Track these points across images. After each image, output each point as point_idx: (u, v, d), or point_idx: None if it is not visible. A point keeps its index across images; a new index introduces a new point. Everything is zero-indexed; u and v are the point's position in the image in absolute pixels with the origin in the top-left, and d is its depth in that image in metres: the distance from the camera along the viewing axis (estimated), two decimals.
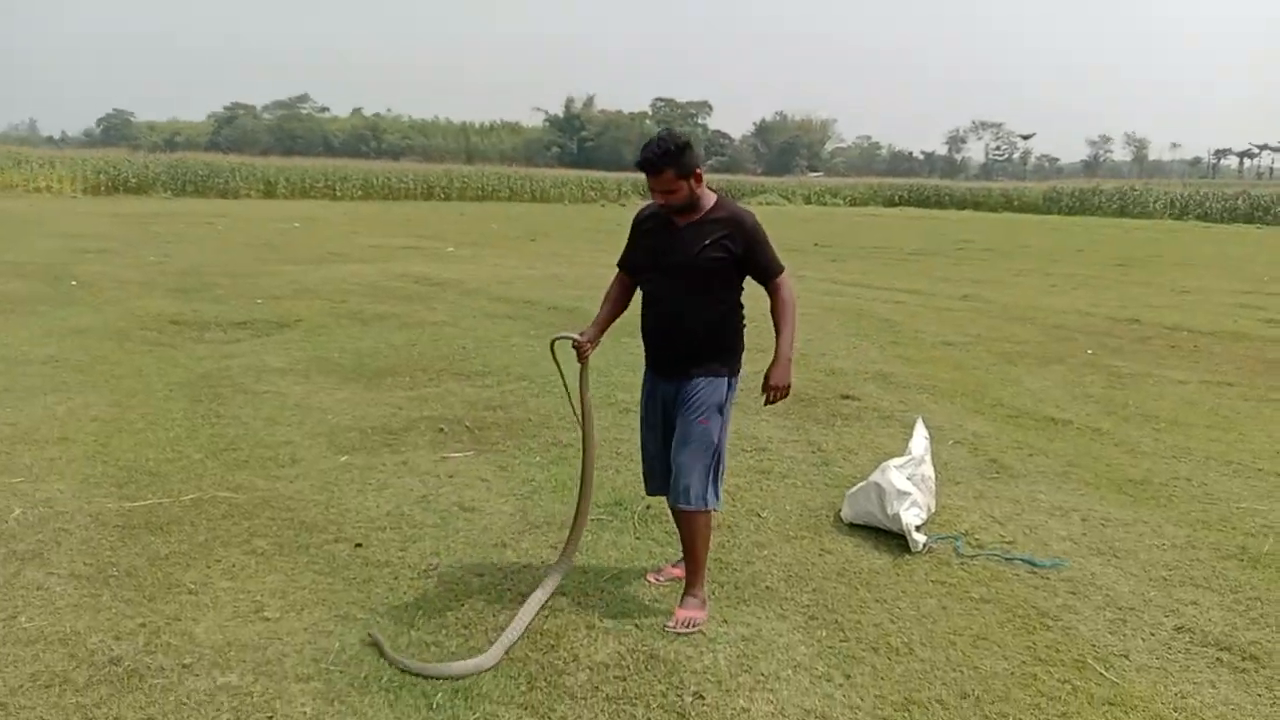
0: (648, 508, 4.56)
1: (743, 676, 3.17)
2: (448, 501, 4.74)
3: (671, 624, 3.49)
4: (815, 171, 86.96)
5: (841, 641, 3.45)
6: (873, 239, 25.75)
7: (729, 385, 3.63)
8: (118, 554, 3.98)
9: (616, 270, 3.88)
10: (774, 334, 3.67)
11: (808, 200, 52.72)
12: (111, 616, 3.43)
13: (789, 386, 3.67)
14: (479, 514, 4.60)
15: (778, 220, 34.51)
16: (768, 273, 3.60)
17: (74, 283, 11.94)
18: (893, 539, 4.36)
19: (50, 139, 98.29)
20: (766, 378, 3.65)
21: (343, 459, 5.35)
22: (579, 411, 3.81)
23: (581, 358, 3.73)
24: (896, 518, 4.28)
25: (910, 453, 4.62)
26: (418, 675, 3.12)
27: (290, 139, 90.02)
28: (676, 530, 3.73)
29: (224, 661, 3.16)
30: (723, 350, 3.62)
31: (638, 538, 4.33)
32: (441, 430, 5.99)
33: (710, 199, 3.57)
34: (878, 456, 5.56)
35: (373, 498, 4.76)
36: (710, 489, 3.59)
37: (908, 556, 4.21)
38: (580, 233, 25.63)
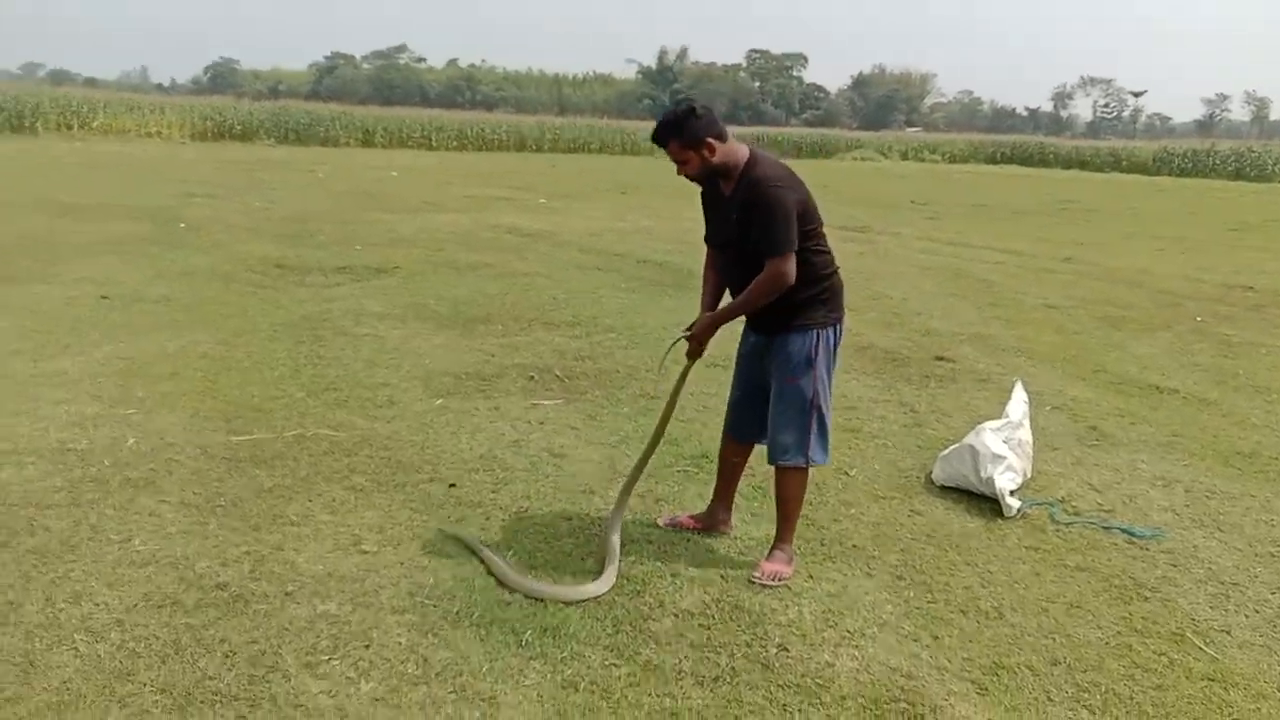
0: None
1: (828, 631, 3.17)
2: (538, 447, 4.82)
3: (757, 575, 3.50)
4: (913, 127, 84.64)
5: (929, 603, 3.42)
6: (972, 197, 25.02)
7: (819, 337, 3.50)
8: (224, 485, 4.16)
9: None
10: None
11: (905, 156, 51.42)
12: (219, 543, 3.59)
13: (699, 339, 3.58)
14: (568, 460, 4.67)
15: (874, 177, 33.83)
16: (763, 250, 3.32)
17: (183, 226, 12.36)
18: (985, 503, 4.28)
19: (160, 86, 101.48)
20: (693, 327, 3.58)
21: (438, 402, 5.47)
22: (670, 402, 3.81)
23: (691, 354, 3.68)
24: (990, 481, 4.20)
25: (1007, 416, 4.52)
26: (532, 595, 3.27)
27: (388, 89, 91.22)
28: (754, 482, 3.73)
29: (324, 591, 3.28)
30: (800, 308, 3.46)
31: None
32: (532, 378, 6.07)
33: (740, 164, 3.37)
34: (973, 420, 5.45)
35: (466, 440, 4.86)
36: (810, 444, 3.53)
37: (1000, 521, 4.13)
38: (670, 186, 25.31)
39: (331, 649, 2.93)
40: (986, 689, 2.92)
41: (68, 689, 2.65)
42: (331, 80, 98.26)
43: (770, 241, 3.28)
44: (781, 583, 3.48)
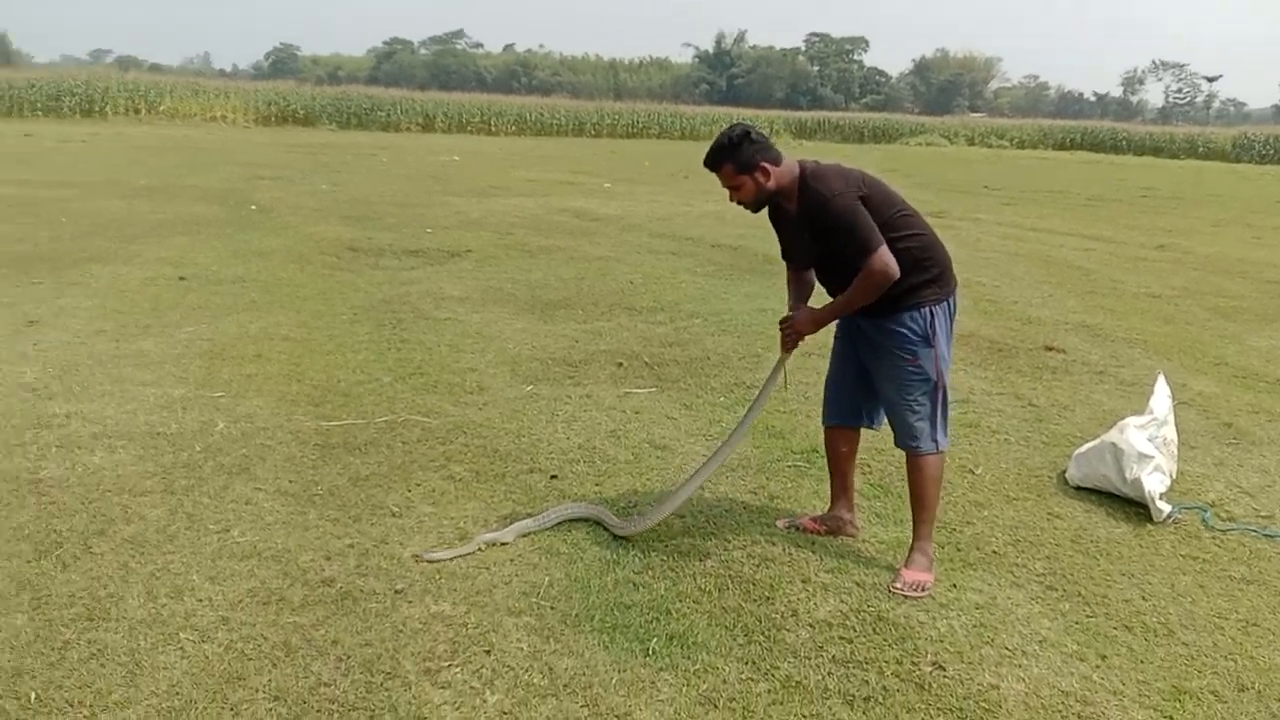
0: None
1: (985, 649, 2.89)
2: (638, 438, 4.58)
3: (898, 585, 3.23)
4: (977, 112, 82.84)
5: (1089, 617, 3.11)
6: (1046, 183, 24.25)
7: (933, 314, 3.29)
8: (319, 472, 3.98)
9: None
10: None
11: (971, 141, 50.24)
12: (320, 535, 3.41)
13: (799, 334, 3.44)
14: (671, 453, 4.43)
15: (941, 162, 33.06)
16: (857, 254, 3.17)
17: (253, 207, 12.34)
18: (1127, 506, 3.96)
19: (222, 72, 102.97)
20: (792, 317, 3.43)
21: (528, 389, 5.26)
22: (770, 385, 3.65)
23: (786, 345, 3.50)
24: (1137, 483, 3.87)
25: (1151, 411, 4.16)
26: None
27: (445, 74, 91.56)
28: (872, 480, 3.49)
29: (435, 589, 3.08)
30: (908, 290, 3.26)
31: None
32: (620, 365, 5.84)
33: (794, 183, 3.26)
34: (1097, 414, 5.13)
35: (562, 430, 4.64)
36: (938, 428, 3.32)
37: (1149, 527, 3.80)
38: None
39: (450, 654, 2.72)
40: (1171, 717, 2.62)
41: (177, 693, 2.46)
42: (390, 66, 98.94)
43: (859, 245, 3.15)
44: (924, 593, 3.20)
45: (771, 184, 3.24)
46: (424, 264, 8.99)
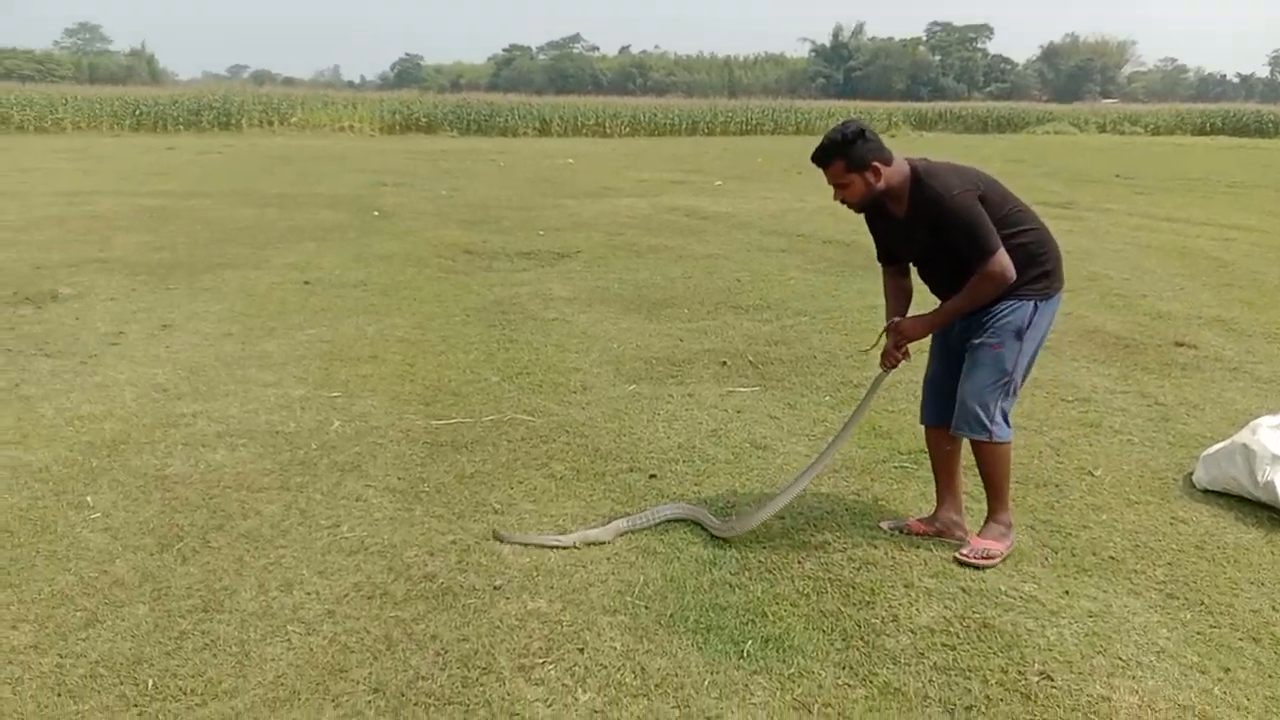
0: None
1: (1097, 659, 2.75)
2: (739, 438, 4.55)
3: (965, 552, 3.25)
4: (1110, 98, 79.25)
5: (1212, 628, 2.94)
6: (1184, 170, 23.02)
7: (1035, 309, 3.23)
8: (427, 470, 4.08)
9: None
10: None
11: (1102, 129, 48.02)
12: (425, 531, 3.50)
13: (908, 340, 3.37)
14: (772, 453, 4.38)
15: (1069, 150, 31.75)
16: (974, 255, 3.13)
17: (376, 213, 12.76)
18: (1260, 511, 3.72)
19: (350, 83, 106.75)
20: (898, 321, 3.37)
21: (630, 388, 5.28)
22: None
23: (888, 361, 3.45)
24: (1270, 486, 3.63)
25: None
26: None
27: (562, 78, 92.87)
28: (977, 477, 3.45)
29: (532, 586, 3.12)
30: (1015, 284, 3.19)
31: None
32: (724, 364, 5.81)
33: (904, 183, 3.20)
34: (1229, 413, 4.84)
35: (663, 429, 4.65)
36: (994, 416, 3.25)
37: None
38: None
39: (545, 651, 2.75)
40: None
41: (282, 684, 2.56)
42: (509, 72, 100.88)
43: (978, 247, 3.12)
44: (993, 561, 3.23)
45: (881, 184, 3.19)
46: (535, 265, 9.14)
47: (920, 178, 3.18)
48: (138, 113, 34.40)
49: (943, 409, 3.46)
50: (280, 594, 3.03)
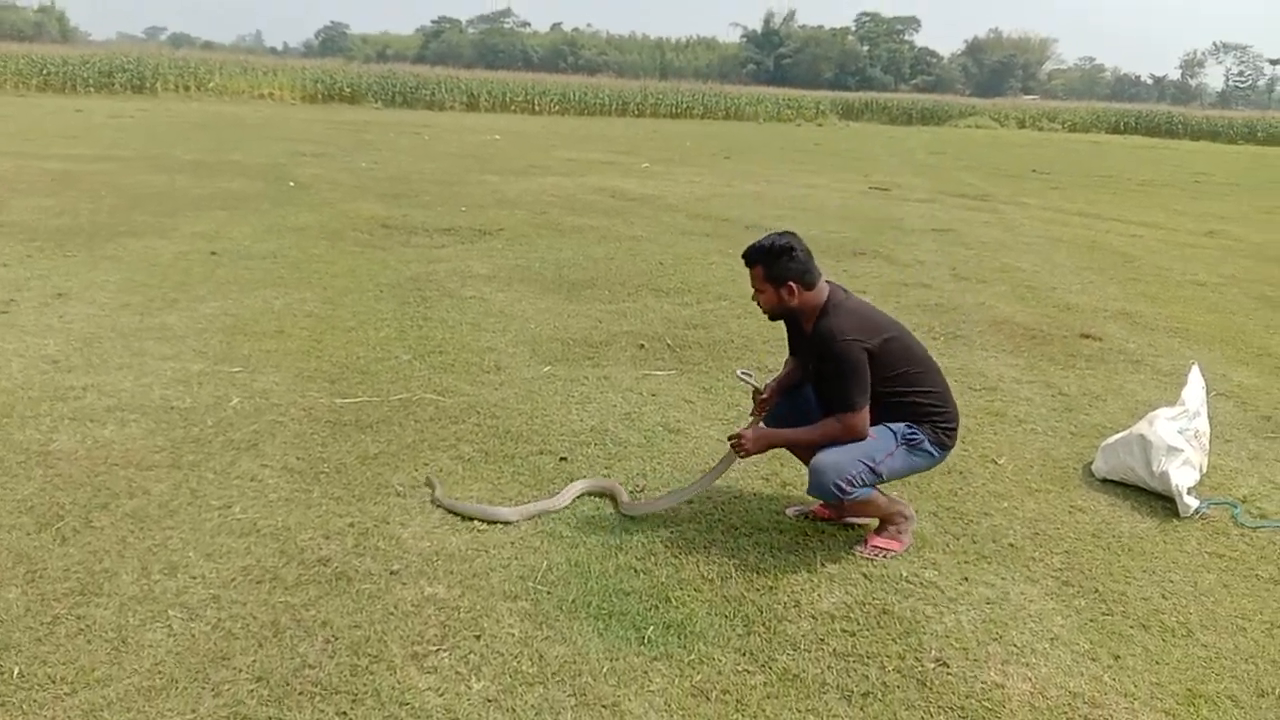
0: None
1: (992, 645, 2.78)
2: (652, 421, 4.51)
3: (860, 549, 3.30)
4: (1030, 95, 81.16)
5: (1104, 615, 3.00)
6: (1097, 167, 23.69)
7: (927, 441, 3.27)
8: (328, 449, 3.96)
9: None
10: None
11: (1022, 124, 49.20)
12: (321, 514, 3.38)
13: (746, 451, 3.36)
14: (685, 436, 4.35)
15: (989, 145, 32.44)
16: (835, 400, 3.21)
17: (292, 184, 12.40)
18: (1156, 500, 3.81)
19: (273, 50, 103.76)
20: (744, 432, 3.37)
21: (545, 369, 5.20)
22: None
23: (758, 406, 3.49)
24: (1164, 476, 3.72)
25: (1183, 403, 4.01)
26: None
27: (492, 53, 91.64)
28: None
29: (431, 571, 3.04)
30: (914, 416, 3.29)
31: None
32: (642, 346, 5.76)
33: (817, 309, 3.25)
34: (1129, 405, 4.96)
35: (576, 411, 4.59)
36: (854, 489, 3.18)
37: (1175, 522, 3.66)
38: (777, 151, 24.82)
39: (440, 638, 2.67)
40: None
41: (159, 671, 2.44)
42: (438, 45, 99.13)
43: (841, 398, 3.19)
44: (885, 557, 3.27)
45: (794, 303, 3.26)
46: (455, 242, 8.97)
47: (826, 310, 3.22)
48: (45, 72, 32.93)
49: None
50: (164, 577, 2.89)
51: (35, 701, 2.31)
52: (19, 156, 13.47)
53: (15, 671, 2.41)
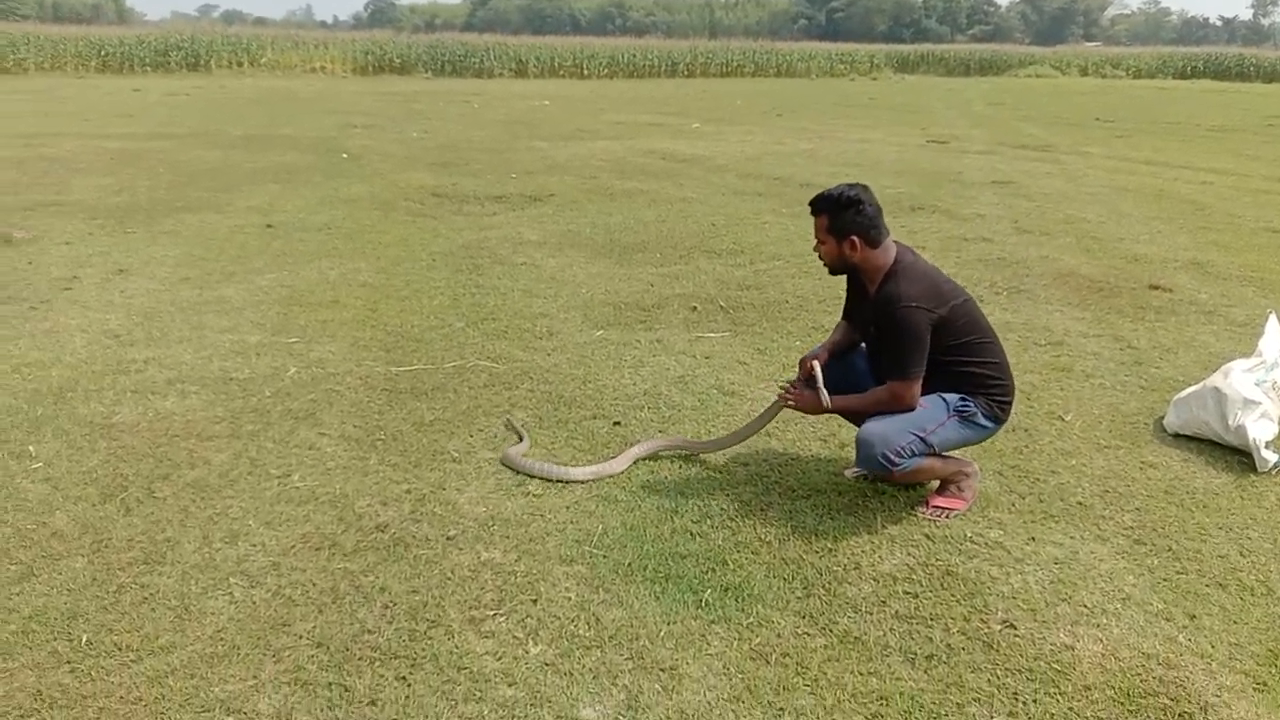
0: None
1: (1061, 606, 2.70)
2: (706, 384, 4.46)
3: (923, 510, 3.22)
4: (1092, 41, 78.63)
5: (1179, 574, 2.89)
6: (1164, 113, 22.89)
7: (979, 413, 3.17)
8: (385, 417, 3.98)
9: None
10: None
11: (1084, 72, 47.69)
12: (379, 481, 3.40)
13: (800, 409, 3.36)
14: (739, 399, 4.29)
15: (1050, 94, 31.53)
16: (891, 368, 3.13)
17: (344, 156, 12.48)
18: (1230, 455, 3.67)
19: (323, 23, 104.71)
20: (802, 393, 3.30)
21: (598, 334, 5.17)
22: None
23: (804, 371, 3.35)
24: (1240, 430, 3.58)
25: (1260, 354, 3.84)
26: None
27: (540, 19, 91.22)
28: None
29: (487, 536, 3.04)
30: (969, 389, 3.19)
31: None
32: (695, 309, 5.70)
33: (882, 271, 3.14)
34: (1202, 357, 4.79)
35: (629, 375, 4.55)
36: (903, 460, 3.08)
37: (1253, 477, 3.52)
38: (830, 107, 24.39)
39: (497, 603, 2.67)
40: (1265, 684, 2.40)
41: (221, 638, 2.47)
42: (485, 12, 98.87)
43: (893, 364, 3.12)
44: (948, 516, 3.18)
45: (856, 258, 3.16)
46: (506, 209, 8.95)
47: (893, 272, 3.12)
48: (103, 53, 33.57)
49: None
50: (224, 545, 2.93)
51: (102, 669, 2.35)
52: (79, 137, 13.74)
53: (84, 639, 2.45)
